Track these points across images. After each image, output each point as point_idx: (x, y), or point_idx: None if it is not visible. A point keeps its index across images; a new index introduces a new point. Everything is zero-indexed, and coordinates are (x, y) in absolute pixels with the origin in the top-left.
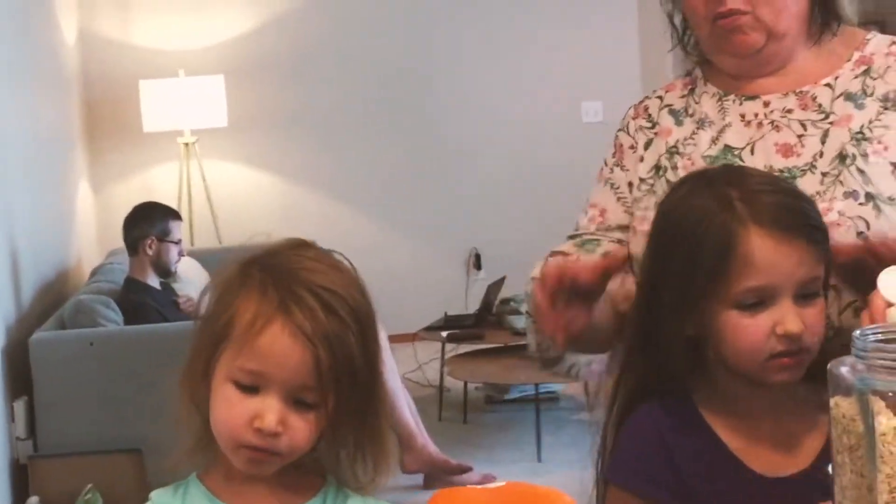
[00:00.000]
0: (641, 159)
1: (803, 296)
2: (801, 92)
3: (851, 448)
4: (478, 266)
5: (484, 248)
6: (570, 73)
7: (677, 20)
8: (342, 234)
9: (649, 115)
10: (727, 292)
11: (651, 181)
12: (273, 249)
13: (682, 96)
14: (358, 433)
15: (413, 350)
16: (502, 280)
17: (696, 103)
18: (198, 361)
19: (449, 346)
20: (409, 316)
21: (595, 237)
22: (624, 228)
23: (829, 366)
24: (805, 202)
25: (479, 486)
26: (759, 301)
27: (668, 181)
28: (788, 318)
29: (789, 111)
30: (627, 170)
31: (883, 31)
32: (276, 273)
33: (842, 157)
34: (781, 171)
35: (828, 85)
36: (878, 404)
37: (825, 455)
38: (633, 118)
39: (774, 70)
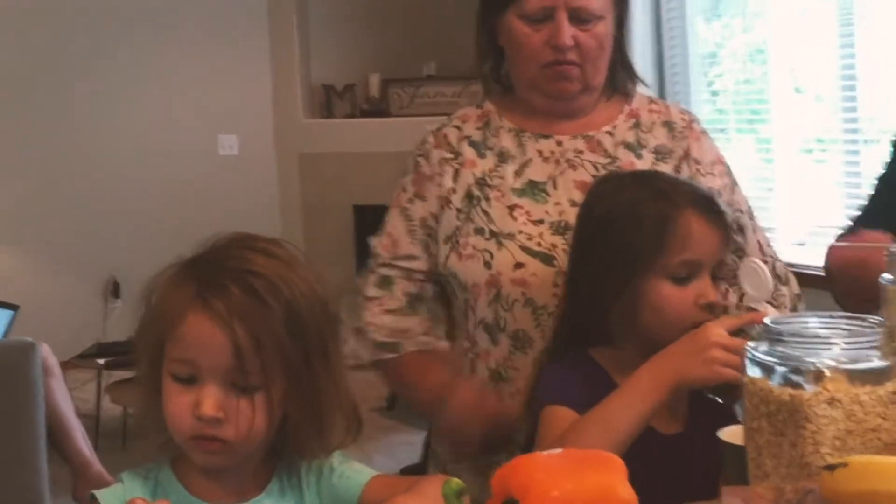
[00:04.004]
0: (454, 191)
1: (713, 277)
2: (587, 136)
3: (770, 414)
4: (116, 294)
5: (123, 277)
6: (207, 106)
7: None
8: None
9: (450, 145)
10: (663, 265)
11: (466, 210)
12: (209, 246)
13: (479, 128)
14: (304, 411)
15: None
16: None
17: (495, 137)
18: (143, 364)
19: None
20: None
21: (388, 266)
22: (410, 257)
23: (744, 348)
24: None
25: (547, 453)
26: (689, 274)
27: (482, 210)
28: (710, 290)
29: (580, 152)
30: (426, 200)
31: None
32: (197, 264)
33: None
34: None
35: (608, 132)
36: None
37: (693, 419)
38: (435, 147)
39: (574, 115)
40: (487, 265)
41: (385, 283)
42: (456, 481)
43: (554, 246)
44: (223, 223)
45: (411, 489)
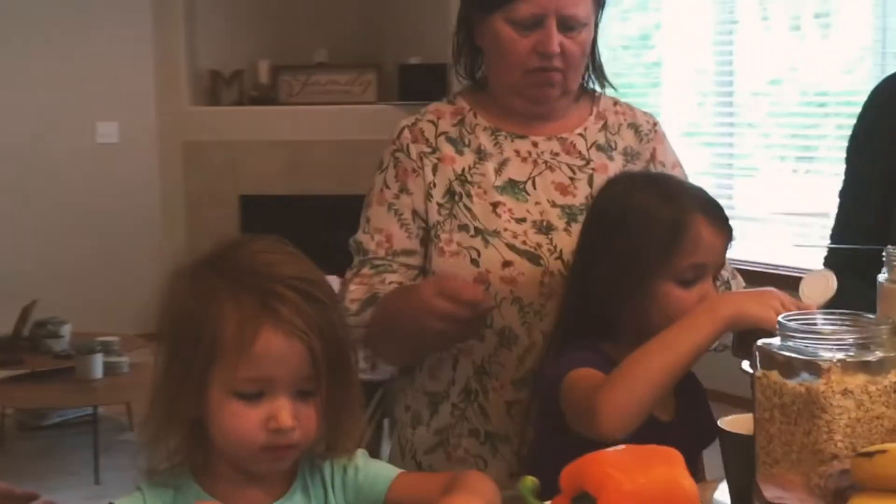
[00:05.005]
0: (434, 185)
1: (714, 279)
2: (561, 138)
3: (783, 405)
4: None
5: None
6: (84, 93)
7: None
8: None
9: (427, 140)
10: (673, 268)
11: (448, 206)
12: (217, 254)
13: (455, 125)
14: (343, 405)
15: None
16: (33, 304)
17: (471, 134)
18: (183, 385)
19: None
20: None
21: (385, 262)
22: (409, 253)
23: (756, 346)
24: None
25: (613, 450)
26: (695, 277)
27: (464, 206)
28: (713, 292)
29: (556, 154)
30: (412, 193)
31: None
32: (240, 276)
33: None
34: (562, 206)
35: (581, 135)
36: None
37: (683, 408)
38: (413, 142)
39: (548, 118)
40: (475, 262)
41: (377, 271)
42: (531, 479)
43: (539, 245)
44: (102, 214)
45: (457, 487)
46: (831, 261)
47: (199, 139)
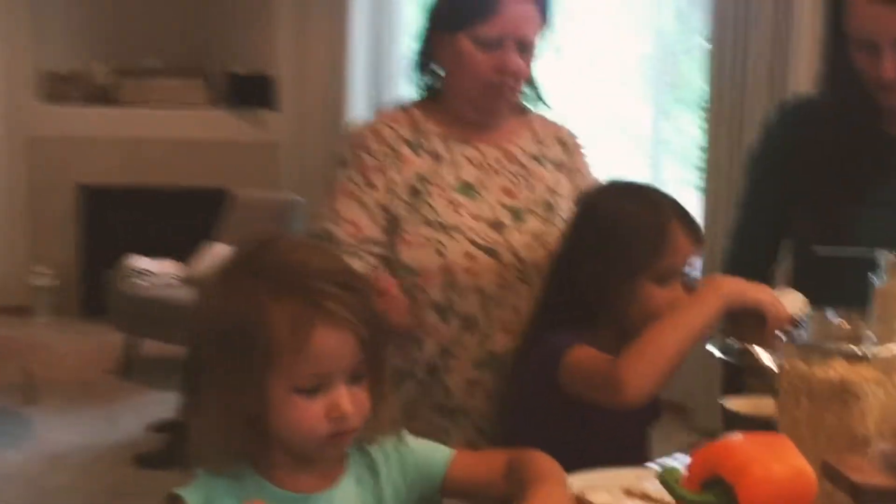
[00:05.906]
0: (397, 182)
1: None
2: (501, 147)
3: (811, 392)
4: None
5: None
6: None
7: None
8: None
9: (388, 143)
10: (654, 269)
11: (412, 202)
12: (246, 257)
13: (411, 130)
14: (382, 384)
15: None
16: None
17: (426, 140)
18: (242, 389)
19: None
20: None
21: (352, 248)
22: (375, 242)
23: (779, 339)
24: None
25: (737, 439)
26: (671, 277)
27: (427, 203)
28: (681, 292)
29: (499, 160)
30: (377, 188)
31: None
32: (278, 277)
33: (548, 205)
34: (509, 207)
35: (517, 145)
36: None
37: None
38: (376, 143)
39: (490, 127)
40: (440, 253)
41: (348, 254)
42: (675, 469)
43: (496, 242)
44: None
45: (534, 476)
46: (729, 263)
47: (43, 135)
